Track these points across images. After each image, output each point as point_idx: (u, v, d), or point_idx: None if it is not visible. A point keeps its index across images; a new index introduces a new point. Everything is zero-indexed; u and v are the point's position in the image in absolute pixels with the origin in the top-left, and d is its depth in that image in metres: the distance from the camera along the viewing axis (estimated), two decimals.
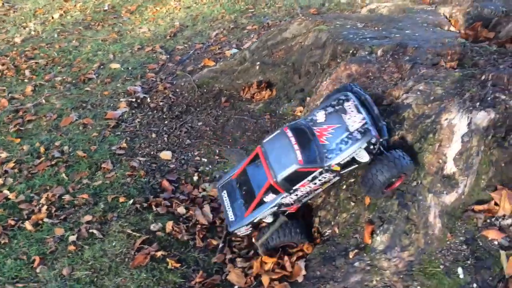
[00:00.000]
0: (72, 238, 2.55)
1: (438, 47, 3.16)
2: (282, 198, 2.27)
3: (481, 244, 2.30)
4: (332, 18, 3.82)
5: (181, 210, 2.79)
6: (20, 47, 5.31)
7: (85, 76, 4.58)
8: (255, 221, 2.36)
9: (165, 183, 3.02)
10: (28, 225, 2.63)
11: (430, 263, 2.26)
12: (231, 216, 2.42)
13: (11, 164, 3.16)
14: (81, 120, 3.73)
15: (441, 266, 2.23)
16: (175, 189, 3.01)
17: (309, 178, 2.21)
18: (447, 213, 2.41)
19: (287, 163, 2.15)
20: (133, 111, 3.90)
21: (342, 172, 2.33)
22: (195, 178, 3.10)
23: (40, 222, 2.68)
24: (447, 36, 3.34)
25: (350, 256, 2.38)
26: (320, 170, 2.18)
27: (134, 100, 4.04)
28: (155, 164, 3.24)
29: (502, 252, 2.24)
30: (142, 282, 2.31)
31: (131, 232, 2.59)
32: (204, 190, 2.98)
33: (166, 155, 3.32)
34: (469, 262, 2.23)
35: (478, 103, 2.57)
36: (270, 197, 2.27)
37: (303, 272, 2.33)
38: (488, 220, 2.40)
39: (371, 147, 2.23)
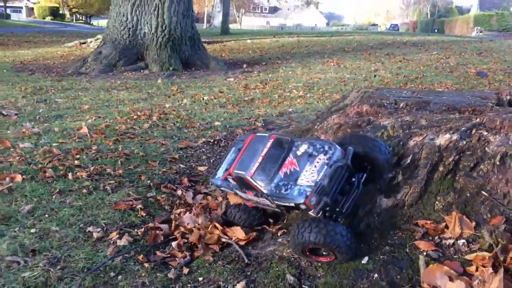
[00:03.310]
0: (90, 187, 3.22)
1: (459, 105, 3.14)
2: (237, 189, 2.34)
3: (407, 251, 2.17)
4: (388, 89, 4.05)
5: (179, 192, 3.23)
6: (165, 109, 6.76)
7: (191, 125, 5.59)
8: (221, 188, 2.52)
9: (185, 180, 3.52)
10: (70, 176, 3.42)
11: None
12: (219, 171, 2.51)
13: (93, 151, 4.12)
14: (161, 141, 4.61)
15: None
16: (190, 186, 3.48)
17: (254, 191, 2.22)
18: (381, 216, 2.33)
19: (244, 167, 2.16)
20: (205, 145, 4.62)
21: (281, 208, 2.28)
22: (211, 183, 3.53)
23: (80, 177, 3.43)
24: (479, 101, 3.25)
25: (278, 234, 2.46)
26: (260, 192, 2.14)
27: (211, 140, 4.78)
28: (189, 171, 3.81)
29: (421, 257, 2.11)
30: (111, 216, 2.79)
31: (131, 193, 3.13)
32: (208, 187, 3.38)
33: (201, 168, 3.86)
34: (382, 257, 2.13)
35: (452, 131, 2.53)
36: (231, 181, 2.35)
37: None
38: (430, 237, 2.24)
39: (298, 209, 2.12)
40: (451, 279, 1.97)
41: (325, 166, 2.08)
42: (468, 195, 2.38)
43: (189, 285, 2.11)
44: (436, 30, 54.24)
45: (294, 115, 6.33)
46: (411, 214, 2.38)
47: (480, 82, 8.38)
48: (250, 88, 9.03)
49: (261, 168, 2.12)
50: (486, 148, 2.45)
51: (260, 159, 2.14)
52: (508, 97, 3.66)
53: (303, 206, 2.01)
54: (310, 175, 2.07)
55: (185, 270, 2.22)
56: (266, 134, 2.31)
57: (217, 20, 33.69)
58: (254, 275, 2.16)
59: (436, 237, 2.24)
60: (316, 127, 3.59)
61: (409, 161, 2.48)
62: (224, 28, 28.13)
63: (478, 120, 2.68)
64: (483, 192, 2.37)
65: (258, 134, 2.34)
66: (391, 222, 2.36)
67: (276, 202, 2.10)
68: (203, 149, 4.48)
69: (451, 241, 2.21)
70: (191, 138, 4.90)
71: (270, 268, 2.19)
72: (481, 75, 8.87)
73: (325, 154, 2.13)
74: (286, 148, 2.21)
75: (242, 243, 2.44)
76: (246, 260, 2.27)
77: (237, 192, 2.33)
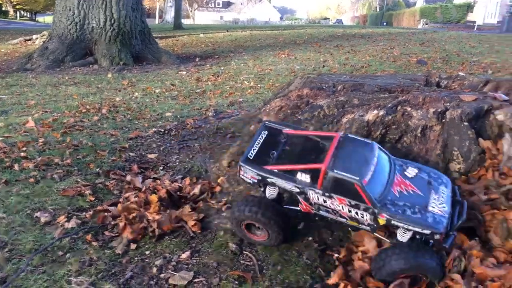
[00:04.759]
0: (37, 177, 3.24)
1: (390, 86, 3.39)
2: (312, 189, 2.01)
3: None
4: (330, 74, 4.28)
5: (128, 178, 3.30)
6: (115, 102, 6.74)
7: (142, 117, 5.62)
8: (268, 179, 2.09)
9: (135, 167, 3.59)
10: (16, 167, 3.42)
11: None
12: (251, 154, 2.17)
13: (40, 143, 4.11)
14: (111, 132, 4.64)
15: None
16: (140, 172, 3.56)
17: (352, 202, 1.94)
18: None
19: (353, 170, 1.92)
20: (156, 135, 4.69)
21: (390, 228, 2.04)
22: (161, 168, 3.62)
23: (26, 168, 3.44)
24: (409, 82, 3.52)
25: (223, 209, 2.61)
26: (369, 206, 1.91)
27: (162, 130, 4.85)
28: (138, 158, 3.88)
29: None
30: (59, 202, 2.84)
31: (80, 180, 3.18)
32: (158, 173, 3.47)
33: (151, 155, 3.94)
34: (315, 223, 2.30)
35: (379, 108, 2.75)
36: (304, 177, 2.03)
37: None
38: None
39: (427, 239, 1.92)
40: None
41: (450, 200, 2.01)
42: None
43: (136, 258, 2.22)
44: (384, 23, 55.91)
45: (245, 104, 6.48)
46: None
47: (420, 70, 8.84)
48: (202, 81, 9.10)
49: (374, 178, 1.91)
50: (409, 122, 2.68)
51: (372, 167, 1.93)
52: (437, 79, 3.95)
53: (437, 236, 1.86)
54: (441, 205, 1.95)
55: (133, 246, 2.33)
56: (368, 141, 2.13)
57: (169, 15, 33.38)
58: (199, 246, 2.30)
59: None
60: (261, 110, 3.76)
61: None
62: (177, 23, 27.88)
63: (404, 97, 2.92)
64: None
65: (350, 135, 2.15)
66: None
67: (395, 223, 1.89)
68: (153, 138, 4.54)
69: None
70: (142, 129, 4.95)
71: (215, 239, 2.34)
72: (421, 63, 9.36)
73: (446, 187, 2.07)
74: (391, 159, 2.14)
75: (191, 222, 2.56)
76: (192, 234, 2.40)
77: (309, 192, 2.02)
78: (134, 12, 11.60)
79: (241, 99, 6.89)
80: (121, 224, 2.53)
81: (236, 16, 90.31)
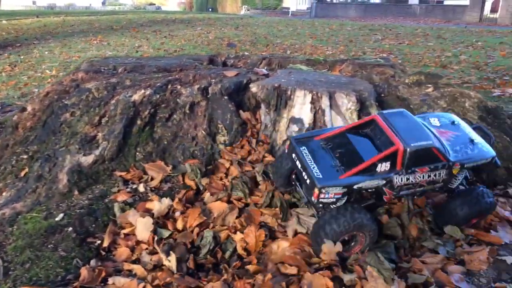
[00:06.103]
0: None
1: (169, 66, 3.39)
2: (395, 173, 1.92)
3: (106, 201, 2.26)
4: (116, 57, 4.11)
5: None
6: None
7: None
8: (355, 186, 1.91)
9: None
10: None
11: (38, 211, 2.17)
12: (316, 173, 1.92)
13: None
14: None
15: (44, 213, 2.14)
16: None
17: (432, 165, 1.95)
18: (82, 174, 2.38)
19: (422, 137, 1.91)
20: None
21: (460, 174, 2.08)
22: None
23: None
24: (191, 62, 3.58)
25: None
26: (445, 162, 1.96)
27: None
28: None
29: (116, 204, 2.22)
30: None
31: None
32: None
33: None
34: (78, 211, 2.17)
35: (148, 87, 2.71)
36: (384, 166, 1.92)
37: None
38: (128, 186, 2.37)
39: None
40: (142, 216, 2.15)
41: (470, 129, 2.21)
42: (166, 142, 2.61)
43: None
44: (210, 9, 57.00)
45: None
46: (113, 167, 2.49)
47: (229, 52, 9.21)
48: None
49: (435, 136, 2.01)
50: (178, 100, 2.71)
51: (426, 128, 1.99)
52: (223, 59, 4.12)
53: (496, 160, 2.08)
54: (475, 136, 2.14)
55: None
56: (398, 109, 2.09)
57: None
58: None
59: (135, 185, 2.40)
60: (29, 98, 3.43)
61: (107, 118, 2.58)
62: None
63: (175, 76, 2.94)
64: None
65: (385, 112, 2.05)
66: (93, 177, 2.42)
67: (467, 165, 2.02)
68: None
69: (147, 185, 2.40)
70: None
71: None
72: (231, 46, 9.77)
73: (459, 120, 2.25)
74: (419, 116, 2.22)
75: None
76: None
77: (394, 177, 1.92)
78: None
79: (36, 90, 6.25)
80: None
81: (52, 1, 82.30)
